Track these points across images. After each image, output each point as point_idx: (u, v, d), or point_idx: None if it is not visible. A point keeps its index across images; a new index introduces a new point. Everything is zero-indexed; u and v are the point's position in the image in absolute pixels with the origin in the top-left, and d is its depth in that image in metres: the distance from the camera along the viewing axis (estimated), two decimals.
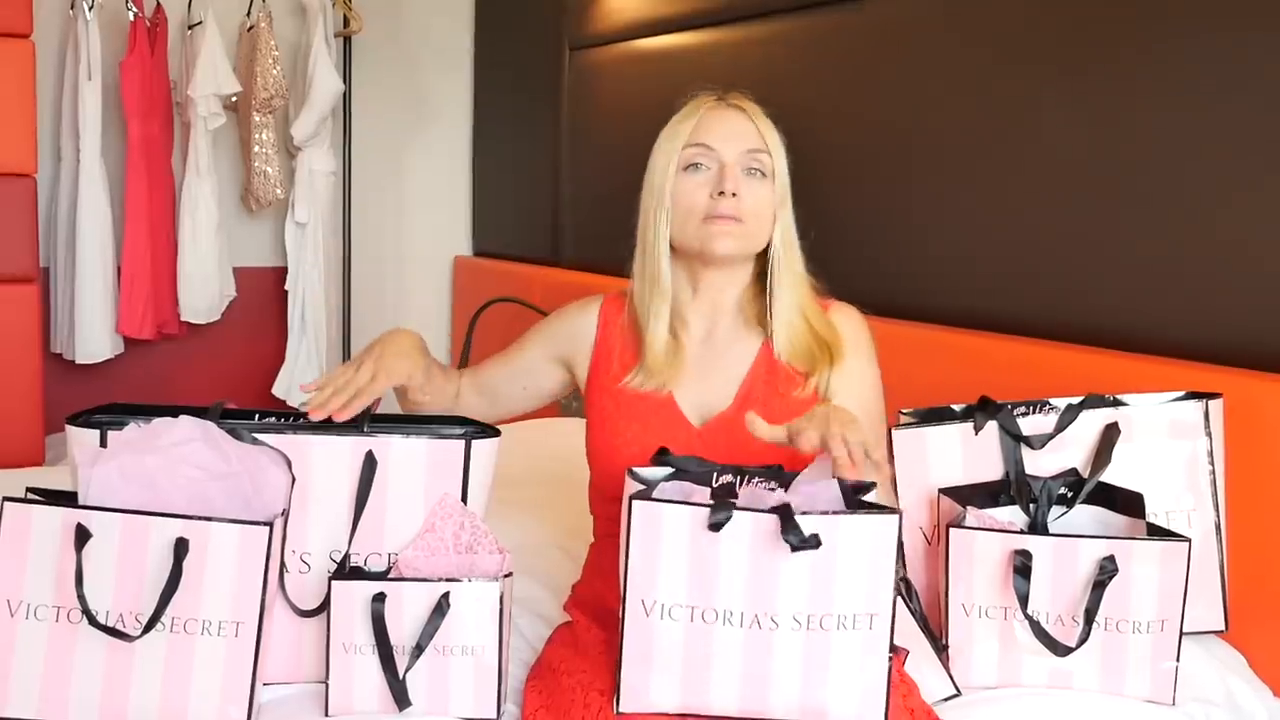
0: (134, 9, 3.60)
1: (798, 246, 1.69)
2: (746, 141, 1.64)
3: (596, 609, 1.63)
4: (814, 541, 1.29)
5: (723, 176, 1.62)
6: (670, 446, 1.52)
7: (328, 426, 1.52)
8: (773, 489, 1.40)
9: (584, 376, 1.75)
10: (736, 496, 1.40)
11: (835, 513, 1.34)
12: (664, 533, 1.34)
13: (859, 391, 1.66)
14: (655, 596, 1.34)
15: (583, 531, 1.82)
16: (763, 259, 1.69)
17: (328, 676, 1.45)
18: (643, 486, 1.40)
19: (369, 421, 1.53)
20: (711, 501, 1.36)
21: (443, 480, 1.54)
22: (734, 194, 1.62)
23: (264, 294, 4.08)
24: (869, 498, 1.40)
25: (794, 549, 1.30)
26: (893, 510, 1.35)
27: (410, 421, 1.58)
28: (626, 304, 1.74)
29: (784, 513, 1.31)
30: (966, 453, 1.74)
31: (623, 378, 1.68)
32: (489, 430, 1.58)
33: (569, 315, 1.79)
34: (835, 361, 1.65)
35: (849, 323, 1.71)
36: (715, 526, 1.32)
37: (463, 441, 1.54)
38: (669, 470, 1.45)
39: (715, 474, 1.44)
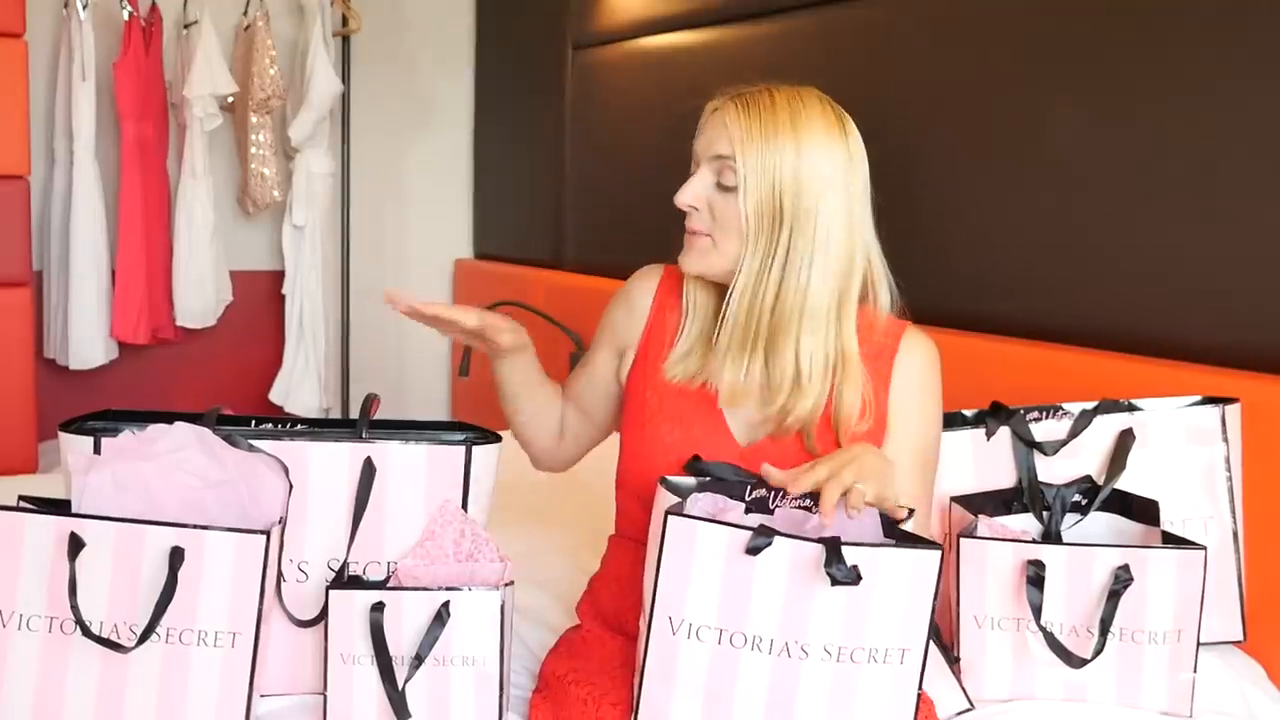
0: (128, 8, 3.58)
1: (791, 287, 1.42)
2: (714, 147, 1.46)
3: (611, 614, 1.58)
4: (854, 576, 1.25)
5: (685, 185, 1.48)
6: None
7: (325, 433, 1.50)
8: (809, 509, 1.36)
9: (630, 359, 1.59)
10: (771, 512, 1.37)
11: (876, 545, 1.30)
12: (697, 551, 1.29)
13: (908, 431, 1.51)
14: (684, 615, 1.31)
15: (589, 537, 1.79)
16: None
17: (326, 688, 1.43)
18: (677, 499, 1.35)
19: (367, 427, 1.51)
20: (746, 517, 1.33)
21: (443, 487, 1.52)
22: (690, 206, 1.47)
23: (261, 298, 4.06)
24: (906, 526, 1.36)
25: (834, 583, 1.25)
26: (935, 545, 1.31)
27: (409, 427, 1.56)
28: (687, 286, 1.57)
29: (831, 545, 1.26)
30: (978, 459, 1.73)
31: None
32: (490, 435, 1.55)
33: (626, 297, 1.62)
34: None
35: (916, 360, 1.53)
36: (753, 551, 1.28)
37: (463, 447, 1.52)
38: (702, 479, 1.41)
39: (749, 487, 1.40)
